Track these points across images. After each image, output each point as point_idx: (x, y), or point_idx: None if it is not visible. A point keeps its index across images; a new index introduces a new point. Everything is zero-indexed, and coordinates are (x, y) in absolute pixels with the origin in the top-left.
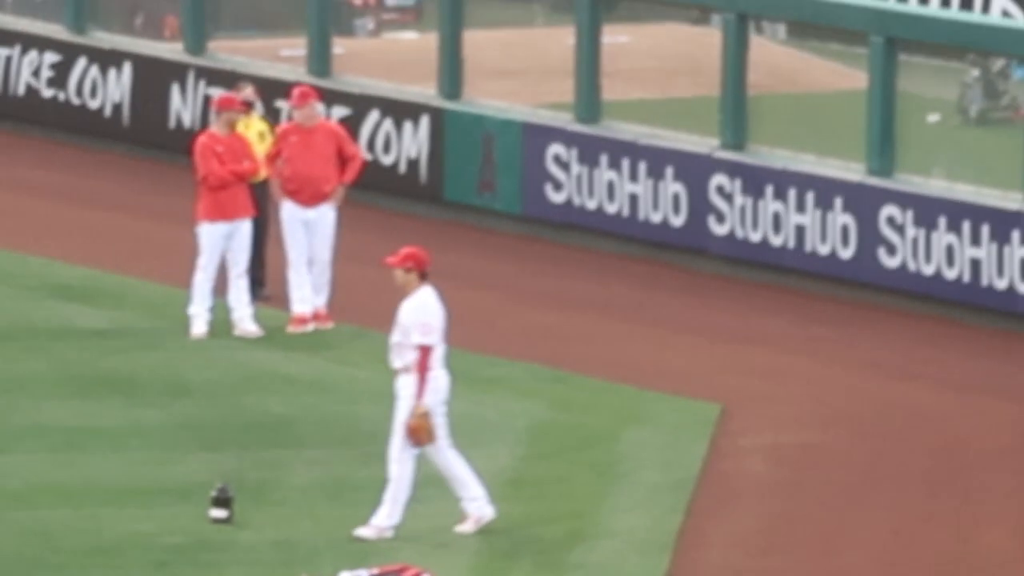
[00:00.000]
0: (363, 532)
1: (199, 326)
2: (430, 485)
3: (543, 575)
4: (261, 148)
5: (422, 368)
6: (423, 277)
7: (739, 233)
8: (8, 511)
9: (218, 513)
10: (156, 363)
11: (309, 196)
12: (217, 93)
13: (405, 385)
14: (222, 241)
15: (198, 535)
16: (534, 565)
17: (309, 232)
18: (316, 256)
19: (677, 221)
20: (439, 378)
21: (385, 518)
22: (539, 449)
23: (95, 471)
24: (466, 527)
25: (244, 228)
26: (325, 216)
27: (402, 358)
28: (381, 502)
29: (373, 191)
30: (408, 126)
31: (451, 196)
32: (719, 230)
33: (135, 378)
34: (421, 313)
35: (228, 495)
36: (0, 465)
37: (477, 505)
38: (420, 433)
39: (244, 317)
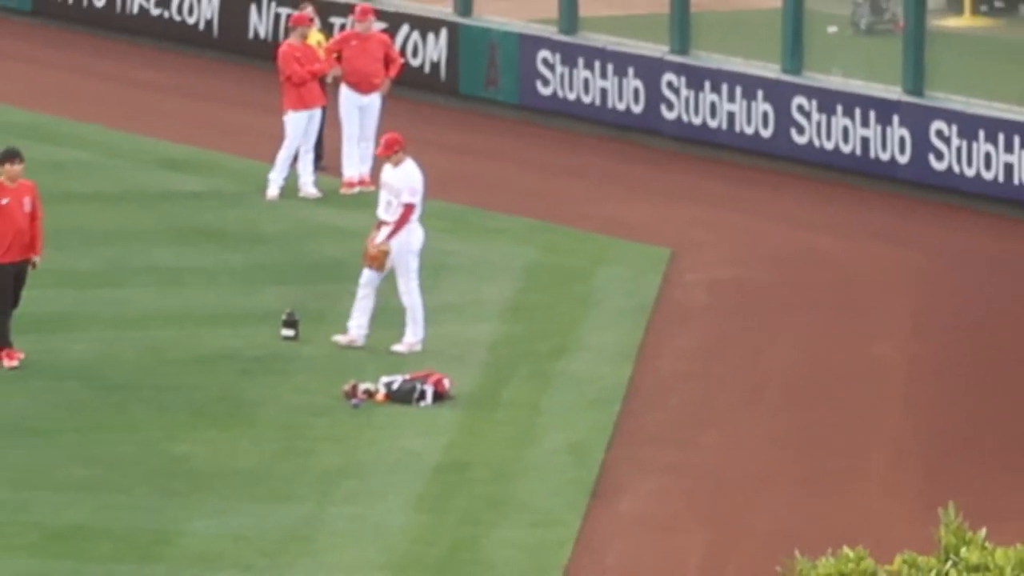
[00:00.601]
0: (397, 347)
1: (273, 190)
2: (449, 311)
3: (535, 380)
4: (321, 54)
5: (402, 220)
6: (405, 151)
7: (684, 118)
8: (127, 331)
9: (287, 332)
10: (240, 218)
11: (364, 87)
12: (284, 12)
13: (401, 232)
14: (304, 125)
15: (272, 349)
16: (529, 372)
17: (361, 114)
18: (364, 133)
19: (637, 109)
20: (418, 230)
21: (411, 336)
22: (532, 283)
23: (194, 300)
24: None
25: (318, 114)
26: (374, 102)
27: (391, 213)
28: (406, 324)
29: (405, 86)
30: (431, 36)
31: (464, 90)
32: (669, 116)
33: (224, 229)
34: (410, 179)
35: (295, 318)
36: (120, 296)
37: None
38: (376, 261)
39: (308, 183)
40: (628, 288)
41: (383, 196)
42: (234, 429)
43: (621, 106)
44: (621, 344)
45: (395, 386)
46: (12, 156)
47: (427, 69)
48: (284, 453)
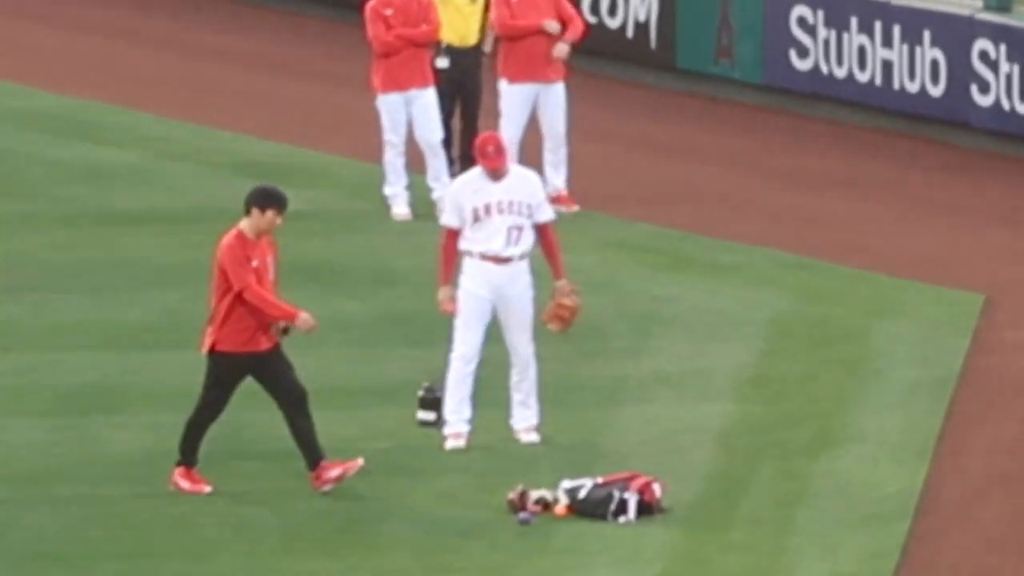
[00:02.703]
0: (531, 437)
1: (400, 206)
2: (661, 384)
3: (787, 483)
4: (472, 10)
5: (557, 243)
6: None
7: (1005, 104)
8: (185, 412)
9: (425, 415)
10: (357, 248)
11: (540, 69)
12: None
13: (524, 271)
14: (401, 112)
15: (404, 439)
16: (777, 472)
17: (541, 105)
18: (553, 130)
19: (936, 91)
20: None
21: (538, 413)
22: (782, 344)
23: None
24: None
25: (424, 98)
26: (557, 88)
27: (522, 243)
28: (526, 400)
29: (598, 57)
30: None
31: (684, 63)
32: (983, 101)
33: (334, 265)
34: (537, 188)
35: (436, 395)
36: (182, 361)
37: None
38: (568, 322)
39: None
40: (921, 351)
41: (502, 221)
42: (349, 556)
43: (912, 87)
44: (911, 432)
45: (582, 494)
46: (280, 203)
47: (630, 34)
48: None
